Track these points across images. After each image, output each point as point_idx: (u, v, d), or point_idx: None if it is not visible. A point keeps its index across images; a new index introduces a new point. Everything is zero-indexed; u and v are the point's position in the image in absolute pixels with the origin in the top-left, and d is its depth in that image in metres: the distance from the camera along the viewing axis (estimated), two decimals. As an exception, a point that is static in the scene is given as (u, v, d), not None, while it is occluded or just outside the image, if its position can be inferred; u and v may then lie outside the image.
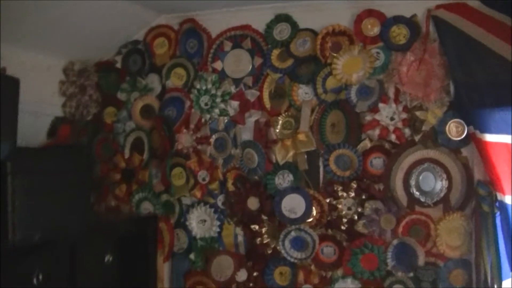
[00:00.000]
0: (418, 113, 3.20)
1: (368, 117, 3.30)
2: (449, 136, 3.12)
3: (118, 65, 4.13)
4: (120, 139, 4.04)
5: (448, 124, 3.12)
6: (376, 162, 3.35)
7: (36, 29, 3.39)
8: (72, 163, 3.27)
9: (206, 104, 3.74)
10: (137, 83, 4.00)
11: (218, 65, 3.76)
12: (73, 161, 3.32)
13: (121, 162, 4.02)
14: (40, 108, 3.83)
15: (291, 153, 3.51)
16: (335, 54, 3.37)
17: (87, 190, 3.40)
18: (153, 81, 4.00)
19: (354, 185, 3.36)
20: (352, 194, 3.37)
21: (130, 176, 4.02)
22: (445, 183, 3.18)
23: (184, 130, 3.81)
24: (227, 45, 3.74)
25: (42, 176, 2.95)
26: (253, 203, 3.63)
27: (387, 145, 3.31)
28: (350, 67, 3.33)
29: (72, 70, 4.06)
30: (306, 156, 3.49)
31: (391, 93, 3.26)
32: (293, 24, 3.56)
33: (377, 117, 3.27)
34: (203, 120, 3.78)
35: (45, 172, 2.99)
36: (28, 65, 3.62)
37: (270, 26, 3.62)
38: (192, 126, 3.80)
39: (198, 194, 3.77)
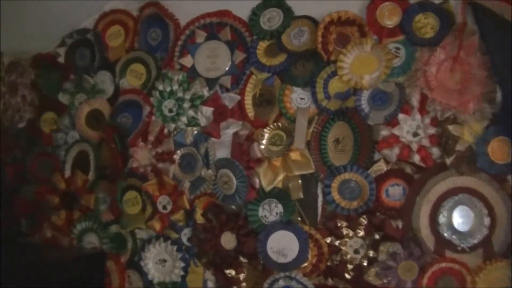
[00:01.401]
0: (450, 128, 2.80)
1: (384, 132, 2.91)
2: (492, 158, 2.73)
3: (61, 60, 3.83)
4: (61, 153, 3.75)
5: (491, 143, 2.73)
6: (394, 191, 2.95)
7: None
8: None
9: (170, 111, 3.38)
10: (84, 83, 3.67)
11: (187, 61, 3.39)
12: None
13: (60, 182, 3.70)
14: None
15: (280, 177, 3.13)
16: (341, 49, 2.99)
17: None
18: (104, 80, 3.66)
19: (363, 220, 2.97)
20: (361, 233, 2.97)
21: (72, 201, 3.68)
22: (486, 221, 2.78)
23: (141, 144, 3.44)
24: (200, 36, 3.39)
25: None
26: (229, 240, 3.24)
27: (408, 169, 2.93)
28: (360, 67, 2.95)
29: (0, 64, 3.85)
30: (301, 181, 3.11)
31: (415, 101, 2.88)
32: (287, 10, 3.18)
33: (396, 131, 2.88)
34: (166, 131, 3.42)
35: None
36: None
37: (256, 12, 3.25)
38: (151, 138, 3.43)
39: (157, 226, 3.38)
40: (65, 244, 3.68)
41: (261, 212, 3.19)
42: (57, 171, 3.70)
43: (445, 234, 2.86)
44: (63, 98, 3.75)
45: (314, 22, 3.13)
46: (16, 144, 3.81)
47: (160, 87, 3.39)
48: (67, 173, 3.68)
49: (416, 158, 2.88)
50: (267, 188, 3.15)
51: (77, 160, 3.69)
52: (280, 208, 3.15)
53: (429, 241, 2.90)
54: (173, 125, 3.37)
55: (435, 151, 2.86)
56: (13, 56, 3.78)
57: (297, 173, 3.10)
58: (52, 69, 3.82)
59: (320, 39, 3.03)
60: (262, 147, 3.18)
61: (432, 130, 2.84)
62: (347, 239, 3.01)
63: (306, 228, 3.09)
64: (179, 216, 3.35)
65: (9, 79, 3.76)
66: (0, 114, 3.78)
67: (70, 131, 3.72)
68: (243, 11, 3.31)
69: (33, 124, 3.83)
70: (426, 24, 2.89)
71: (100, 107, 3.62)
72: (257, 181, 3.18)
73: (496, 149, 2.73)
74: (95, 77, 3.68)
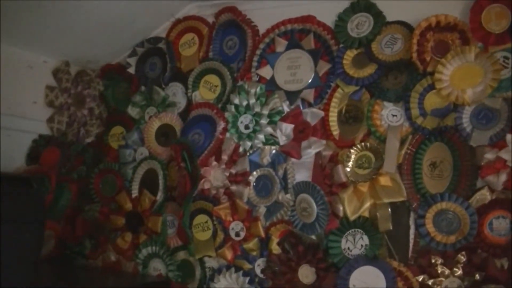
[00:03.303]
0: None
1: (489, 155, 2.74)
2: None
3: (131, 70, 3.82)
4: (128, 171, 3.71)
5: None
6: (499, 225, 2.73)
7: (17, 15, 3.15)
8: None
9: (246, 127, 3.32)
10: (154, 95, 3.66)
11: (266, 71, 3.32)
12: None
13: (126, 202, 3.65)
14: (16, 121, 3.59)
15: (367, 205, 3.00)
16: (440, 59, 2.86)
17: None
18: (176, 92, 3.64)
19: (462, 257, 2.76)
20: (459, 272, 2.75)
21: (138, 223, 3.62)
22: None
23: (214, 163, 3.38)
24: (280, 44, 3.31)
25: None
26: (307, 274, 3.10)
27: None
28: (462, 79, 2.81)
29: (67, 73, 3.77)
30: (390, 210, 2.97)
31: None
32: (377, 15, 3.09)
33: (503, 155, 2.69)
34: (241, 149, 3.36)
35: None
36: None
37: (342, 17, 3.16)
38: (225, 157, 3.37)
39: (228, 255, 3.31)
40: (128, 270, 3.66)
41: (344, 244, 3.06)
42: (123, 190, 3.67)
43: (560, 279, 2.62)
44: (132, 111, 3.74)
45: (408, 28, 3.01)
46: (82, 160, 3.79)
47: (236, 101, 3.34)
48: (134, 192, 3.64)
49: None
50: (352, 217, 3.03)
51: (145, 179, 3.65)
52: (365, 240, 3.02)
53: (540, 285, 2.69)
54: (249, 143, 3.30)
55: None
56: (80, 65, 3.77)
57: (386, 200, 2.97)
58: (121, 81, 3.82)
59: (415, 47, 2.91)
60: (348, 170, 3.07)
61: None
62: (442, 279, 2.81)
63: (395, 264, 2.93)
64: (252, 244, 3.27)
65: (76, 90, 3.74)
66: (65, 128, 3.75)
67: (139, 148, 3.69)
68: (328, 17, 3.22)
69: (100, 139, 3.84)
70: None
71: (171, 122, 3.57)
72: (341, 208, 3.05)
73: None
74: (166, 89, 3.64)
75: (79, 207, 3.76)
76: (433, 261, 2.82)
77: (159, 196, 3.54)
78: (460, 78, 2.81)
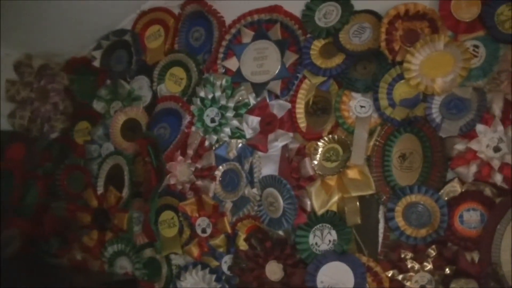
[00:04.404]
0: None
1: (460, 146, 2.68)
2: None
3: (96, 63, 3.78)
4: (94, 166, 3.71)
5: None
6: (470, 217, 2.69)
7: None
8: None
9: (212, 121, 3.28)
10: (119, 89, 3.64)
11: (232, 63, 3.27)
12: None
13: (92, 199, 3.63)
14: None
15: (335, 198, 2.94)
16: (409, 48, 2.81)
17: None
18: (142, 86, 3.61)
19: (432, 252, 2.71)
20: (429, 266, 2.72)
21: (104, 220, 3.60)
22: None
23: (180, 158, 3.34)
24: (247, 35, 3.26)
25: None
26: (274, 271, 3.06)
27: (488, 191, 2.65)
28: (432, 68, 2.77)
29: (29, 67, 3.76)
30: (359, 204, 2.91)
31: (497, 109, 2.63)
32: (346, 4, 3.02)
33: (473, 146, 2.64)
34: (207, 143, 3.31)
35: None
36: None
37: (310, 6, 3.09)
38: (191, 152, 3.33)
39: (195, 252, 3.28)
40: (95, 268, 3.60)
41: (311, 239, 2.99)
42: (90, 186, 3.64)
43: (533, 271, 2.57)
44: (97, 106, 3.71)
45: (377, 17, 2.94)
46: (48, 156, 3.76)
47: (202, 94, 3.30)
48: (100, 189, 3.61)
49: (498, 178, 2.61)
50: (320, 212, 2.95)
51: (111, 175, 3.61)
52: (334, 235, 2.95)
53: (513, 279, 2.69)
54: (215, 137, 3.26)
55: None
56: (44, 58, 3.75)
57: (354, 194, 2.90)
58: (87, 74, 3.78)
59: (384, 36, 2.85)
60: (315, 163, 2.99)
61: None
62: (412, 274, 2.76)
63: (364, 259, 2.87)
64: (219, 241, 3.23)
65: (39, 84, 3.71)
66: (27, 124, 3.72)
67: (105, 143, 3.66)
68: (296, 6, 3.15)
69: (66, 134, 3.79)
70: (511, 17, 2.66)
71: (136, 116, 3.54)
72: (308, 203, 2.99)
73: None
74: (132, 82, 3.62)
75: (47, 204, 3.71)
76: (403, 255, 2.78)
77: (125, 192, 3.52)
78: (430, 68, 2.78)
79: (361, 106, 2.95)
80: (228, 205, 3.22)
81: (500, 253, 2.61)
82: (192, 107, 3.33)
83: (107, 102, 3.66)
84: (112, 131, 3.57)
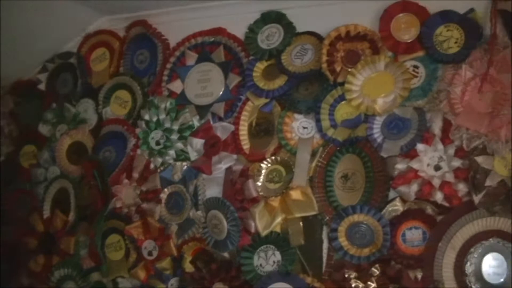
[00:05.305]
0: (479, 160, 2.59)
1: (401, 165, 2.70)
2: None
3: (42, 87, 3.73)
4: (39, 190, 3.63)
5: None
6: (412, 236, 2.70)
7: None
8: None
9: (157, 143, 3.23)
10: (65, 112, 3.59)
11: (176, 86, 3.25)
12: None
13: (38, 223, 3.56)
14: None
15: (279, 220, 2.92)
16: (350, 69, 2.84)
17: None
18: (87, 109, 3.56)
19: (376, 270, 2.70)
20: (374, 285, 2.70)
21: (51, 245, 3.52)
22: None
23: (125, 181, 3.29)
24: (191, 58, 3.25)
25: None
26: None
27: (429, 209, 2.69)
28: (373, 89, 2.79)
29: None
30: (302, 225, 2.90)
31: (437, 128, 2.67)
32: (288, 26, 3.03)
33: (414, 165, 2.66)
34: (152, 166, 3.28)
35: None
36: None
37: (253, 29, 3.11)
38: (136, 175, 3.29)
39: (141, 275, 3.22)
40: None
41: (256, 260, 2.98)
42: (36, 210, 3.57)
43: (474, 287, 2.57)
44: (43, 129, 3.64)
45: (319, 38, 2.96)
46: None
47: (146, 117, 3.27)
48: (46, 213, 3.53)
49: (439, 196, 2.63)
50: (264, 233, 2.94)
51: (57, 199, 3.53)
52: (278, 256, 2.93)
53: (455, 295, 2.73)
54: (160, 160, 3.22)
55: (461, 188, 2.62)
56: None
57: (297, 215, 2.88)
58: (33, 97, 3.73)
59: (325, 57, 2.86)
60: (259, 184, 2.97)
61: (457, 163, 2.62)
62: None
63: (309, 280, 2.83)
64: (165, 263, 3.18)
65: None
66: None
67: (51, 166, 3.59)
68: (240, 28, 3.16)
69: (11, 158, 3.73)
70: (449, 38, 2.71)
71: (82, 139, 3.49)
72: (252, 224, 2.96)
73: (538, 185, 2.54)
74: (78, 105, 3.56)
75: (-6, 229, 3.62)
76: (347, 275, 2.75)
77: (71, 216, 3.45)
78: (371, 88, 2.80)
79: (304, 127, 2.94)
80: (174, 227, 3.17)
81: (442, 270, 2.62)
82: (137, 130, 3.29)
83: (53, 125, 3.60)
84: (58, 155, 3.51)
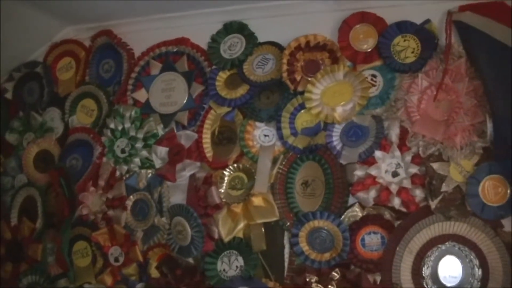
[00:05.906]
0: (435, 166, 2.62)
1: (359, 172, 2.73)
2: (484, 200, 2.54)
3: (8, 96, 3.68)
4: (7, 198, 3.57)
5: (483, 182, 2.55)
6: (371, 240, 2.73)
7: None
8: None
9: (123, 151, 3.20)
10: (32, 121, 3.55)
11: (141, 95, 3.23)
12: None
13: (6, 231, 3.52)
14: None
15: (241, 226, 2.93)
16: (310, 78, 2.85)
17: None
18: (54, 117, 3.51)
19: (336, 274, 2.72)
20: None
21: (18, 252, 3.47)
22: (477, 273, 2.56)
23: (91, 188, 3.27)
24: (155, 67, 3.23)
25: None
26: None
27: (388, 215, 2.72)
28: (332, 97, 2.80)
29: None
30: (264, 230, 2.91)
31: (394, 135, 2.69)
32: (249, 36, 3.05)
33: (372, 171, 2.69)
34: (117, 173, 3.26)
35: None
36: None
37: (216, 38, 3.11)
38: (102, 182, 3.27)
39: (108, 281, 3.20)
40: None
41: (220, 266, 2.99)
42: (3, 218, 3.52)
43: (431, 289, 2.71)
44: (10, 137, 3.60)
45: (280, 48, 2.97)
46: None
47: (112, 125, 3.24)
48: (14, 220, 3.48)
49: (396, 202, 2.67)
50: (227, 239, 2.96)
51: (24, 207, 3.49)
52: (240, 261, 2.95)
53: (412, 297, 2.77)
54: (125, 167, 3.20)
55: (418, 193, 2.66)
56: None
57: (259, 221, 2.89)
58: None
59: (285, 67, 2.87)
60: (222, 191, 2.99)
61: (414, 169, 2.65)
62: None
63: (271, 284, 2.86)
64: (131, 269, 3.16)
65: None
66: None
67: (18, 175, 3.55)
68: (203, 38, 3.16)
69: None
70: (406, 47, 2.73)
71: (49, 147, 3.44)
72: (216, 230, 2.98)
73: (489, 190, 2.56)
74: (44, 114, 3.51)
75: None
76: (308, 279, 2.77)
77: (39, 223, 3.39)
78: (330, 97, 2.79)
79: (265, 135, 2.95)
80: (139, 234, 3.16)
81: (401, 273, 2.64)
82: (103, 138, 3.26)
83: (20, 133, 3.56)
84: (25, 163, 3.47)
